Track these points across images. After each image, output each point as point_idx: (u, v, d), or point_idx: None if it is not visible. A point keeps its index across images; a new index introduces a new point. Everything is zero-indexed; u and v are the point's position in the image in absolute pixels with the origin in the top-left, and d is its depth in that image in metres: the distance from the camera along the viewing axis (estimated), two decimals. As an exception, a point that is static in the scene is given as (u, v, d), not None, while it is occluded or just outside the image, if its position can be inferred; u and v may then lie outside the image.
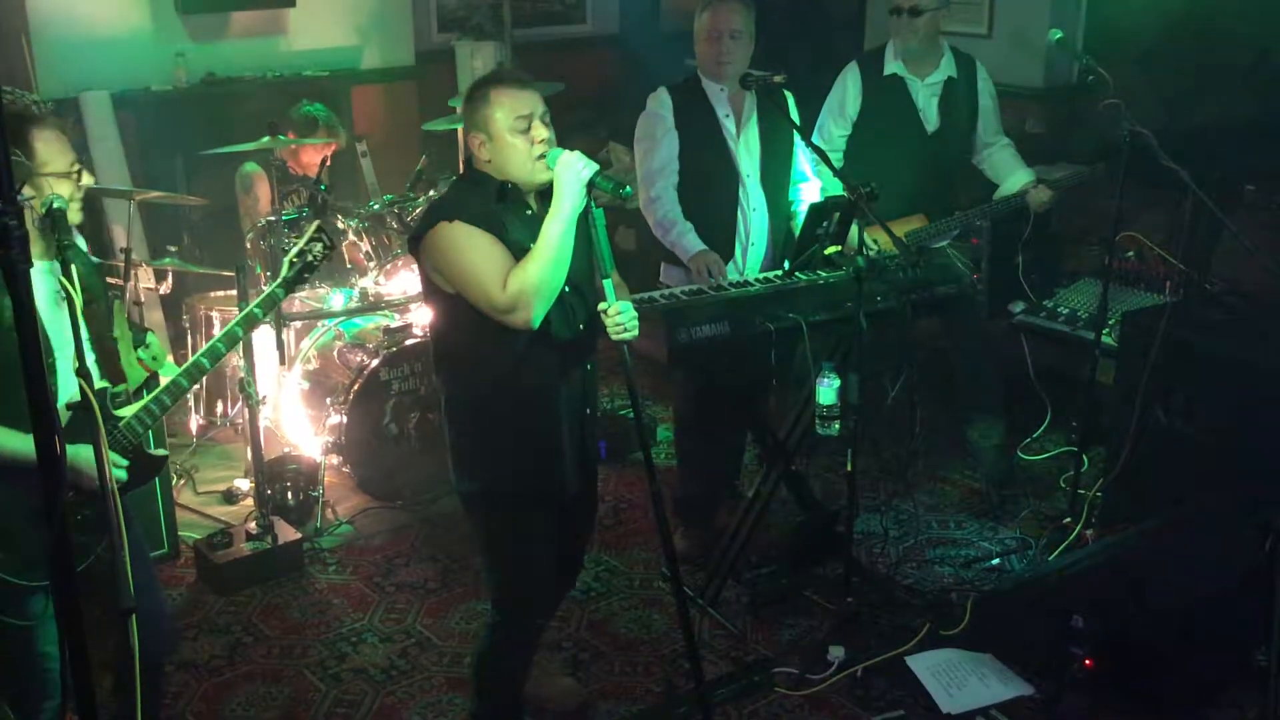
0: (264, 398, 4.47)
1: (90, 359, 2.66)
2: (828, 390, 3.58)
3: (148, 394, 2.85)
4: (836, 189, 3.97)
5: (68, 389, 2.57)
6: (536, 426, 2.98)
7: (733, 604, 4.01)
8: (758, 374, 4.01)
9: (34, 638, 2.68)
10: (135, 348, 2.96)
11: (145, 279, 5.00)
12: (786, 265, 3.98)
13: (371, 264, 4.85)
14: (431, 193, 5.01)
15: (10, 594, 2.63)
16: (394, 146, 6.44)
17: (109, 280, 4.63)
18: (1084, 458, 4.48)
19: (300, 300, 4.83)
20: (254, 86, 6.14)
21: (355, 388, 4.55)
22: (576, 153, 2.81)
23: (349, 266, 4.84)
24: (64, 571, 1.93)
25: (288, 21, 6.31)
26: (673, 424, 4.81)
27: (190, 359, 2.91)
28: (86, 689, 1.92)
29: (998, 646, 3.69)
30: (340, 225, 4.82)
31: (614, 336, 2.83)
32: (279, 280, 3.15)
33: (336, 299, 4.82)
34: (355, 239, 4.87)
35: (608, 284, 2.82)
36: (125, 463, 2.76)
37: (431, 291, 2.94)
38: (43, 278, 2.61)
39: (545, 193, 2.86)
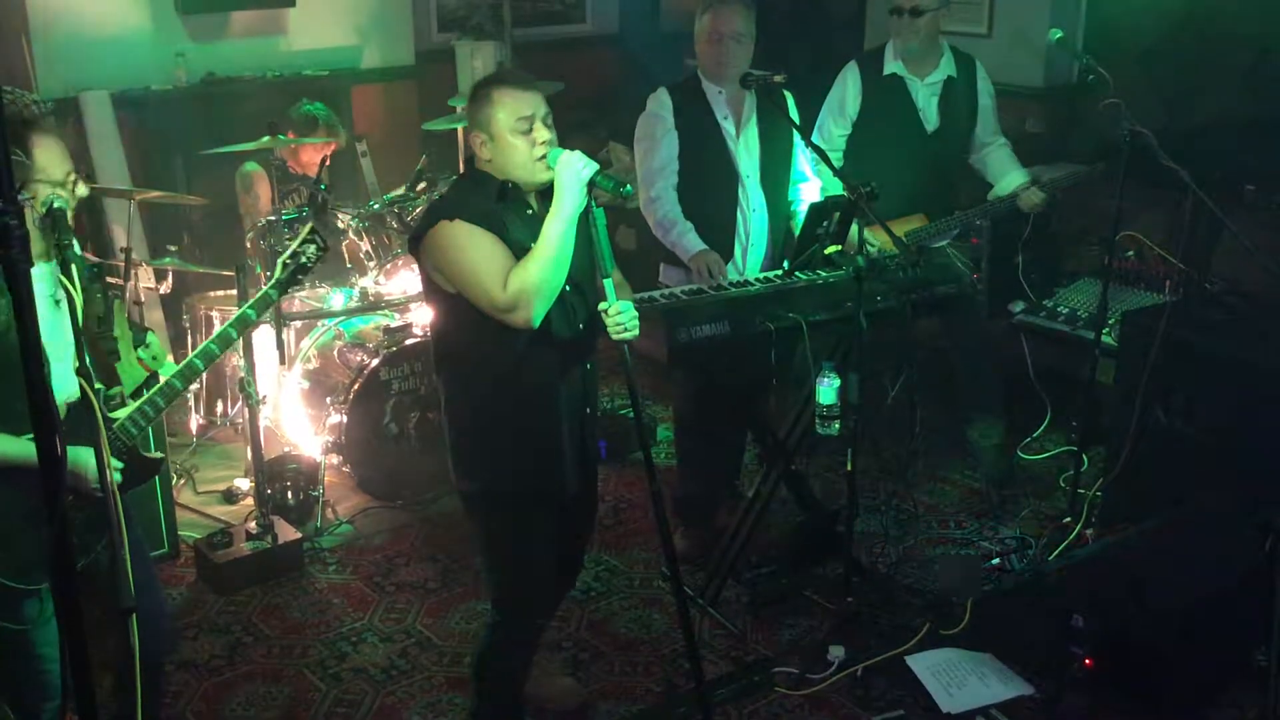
0: (264, 397, 4.47)
1: (74, 362, 2.66)
2: (828, 390, 3.58)
3: (145, 394, 2.85)
4: (836, 188, 3.98)
5: (63, 391, 2.57)
6: (536, 426, 2.98)
7: (733, 604, 4.01)
8: (758, 374, 4.02)
9: (30, 641, 2.68)
10: (135, 348, 2.96)
11: (145, 279, 5.01)
12: (786, 265, 3.98)
13: (371, 263, 4.85)
14: (424, 188, 5.01)
15: (5, 597, 2.63)
16: (394, 146, 6.44)
17: (109, 280, 4.64)
18: (1084, 458, 4.48)
19: (300, 300, 4.83)
20: (254, 86, 6.14)
21: (355, 387, 4.55)
22: (577, 152, 2.81)
23: (349, 266, 4.84)
24: (64, 572, 1.92)
25: (288, 21, 6.31)
26: (673, 424, 4.81)
27: (183, 360, 2.91)
28: (86, 689, 1.92)
29: (998, 646, 3.69)
30: (340, 224, 4.82)
31: (614, 336, 2.83)
32: (272, 282, 3.17)
33: (336, 298, 4.82)
34: (355, 239, 4.87)
35: (608, 283, 2.82)
36: (120, 465, 2.76)
37: (432, 291, 2.94)
38: (39, 279, 2.60)
39: (546, 192, 2.86)
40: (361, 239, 4.85)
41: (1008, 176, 4.61)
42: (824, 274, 3.88)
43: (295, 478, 4.61)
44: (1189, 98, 5.51)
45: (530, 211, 2.92)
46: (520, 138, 2.85)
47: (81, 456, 2.60)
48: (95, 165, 5.67)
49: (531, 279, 2.75)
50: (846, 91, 4.58)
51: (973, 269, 4.76)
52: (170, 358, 3.11)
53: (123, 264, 4.71)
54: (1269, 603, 3.15)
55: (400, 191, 5.06)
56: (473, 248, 2.80)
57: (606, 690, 3.63)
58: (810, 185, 4.34)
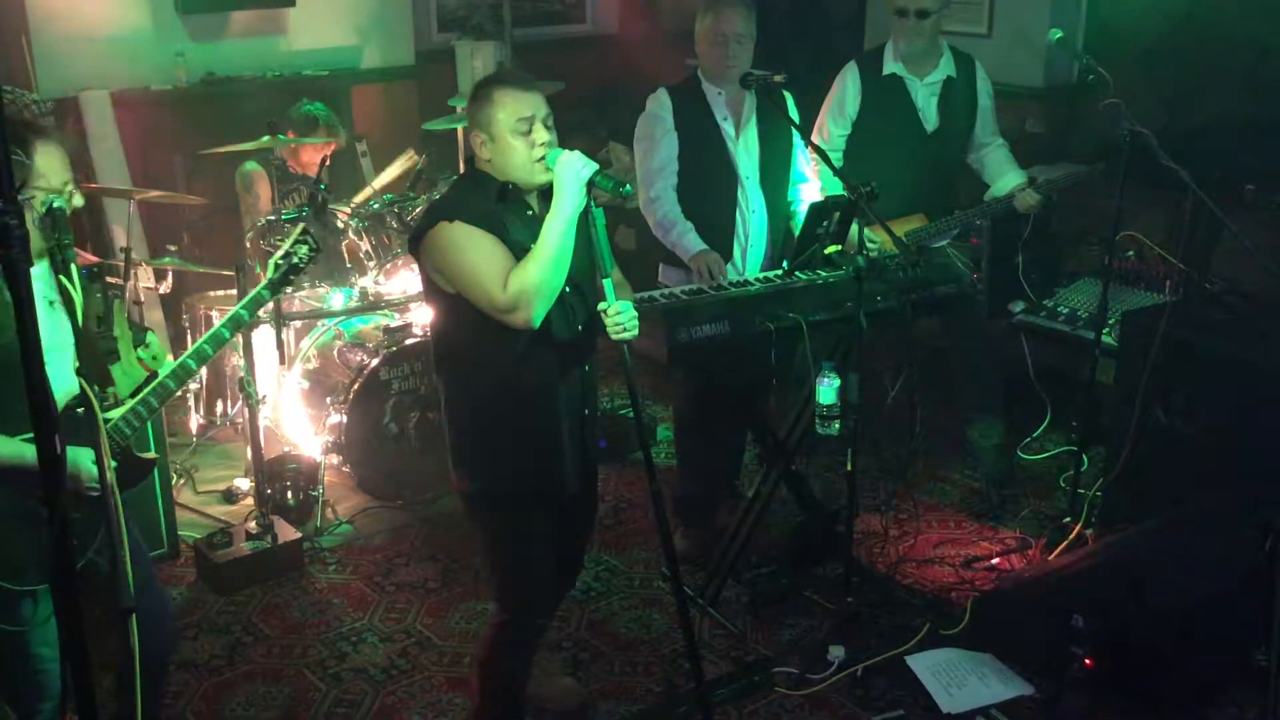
0: (264, 397, 4.47)
1: (74, 362, 2.67)
2: (828, 390, 3.58)
3: (139, 394, 2.85)
4: (836, 188, 3.98)
5: (59, 391, 2.57)
6: (536, 426, 2.98)
7: (733, 604, 4.01)
8: (758, 374, 4.02)
9: (26, 641, 2.68)
10: (135, 347, 2.96)
11: (145, 278, 5.01)
12: (785, 265, 3.98)
13: (371, 263, 4.85)
14: (414, 186, 5.01)
15: (0, 599, 2.63)
16: (394, 146, 6.43)
17: (109, 280, 4.63)
18: (1084, 457, 4.48)
19: (300, 300, 4.82)
20: (254, 86, 6.14)
21: (355, 387, 4.55)
22: (576, 152, 2.81)
23: (349, 266, 4.84)
24: (64, 572, 1.92)
25: (287, 21, 6.31)
26: (673, 424, 4.81)
27: (177, 360, 2.91)
28: (86, 689, 1.92)
29: (998, 646, 3.69)
30: (340, 224, 4.82)
31: (614, 336, 2.84)
32: (265, 282, 3.18)
33: (336, 298, 4.82)
34: (355, 239, 4.87)
35: (607, 283, 2.82)
36: (113, 465, 2.75)
37: (432, 291, 2.95)
38: (35, 279, 2.60)
39: (546, 193, 2.86)
40: (361, 239, 4.85)
41: (1005, 177, 4.61)
42: (824, 274, 3.88)
43: (295, 477, 4.61)
44: (1189, 98, 5.51)
45: (530, 212, 2.92)
46: (520, 138, 2.85)
47: (76, 457, 2.60)
48: (95, 165, 5.67)
49: (531, 279, 2.75)
50: (846, 92, 4.58)
51: (973, 269, 4.76)
52: (170, 358, 3.11)
53: (122, 264, 4.71)
54: (1269, 603, 3.15)
55: (386, 179, 5.05)
56: (473, 249, 2.80)
57: (606, 690, 3.63)
58: (810, 186, 4.34)
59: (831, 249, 3.78)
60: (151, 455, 2.93)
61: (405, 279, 4.86)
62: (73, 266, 2.51)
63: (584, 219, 2.81)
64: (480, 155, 2.92)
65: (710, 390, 4.15)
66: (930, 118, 4.57)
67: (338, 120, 5.35)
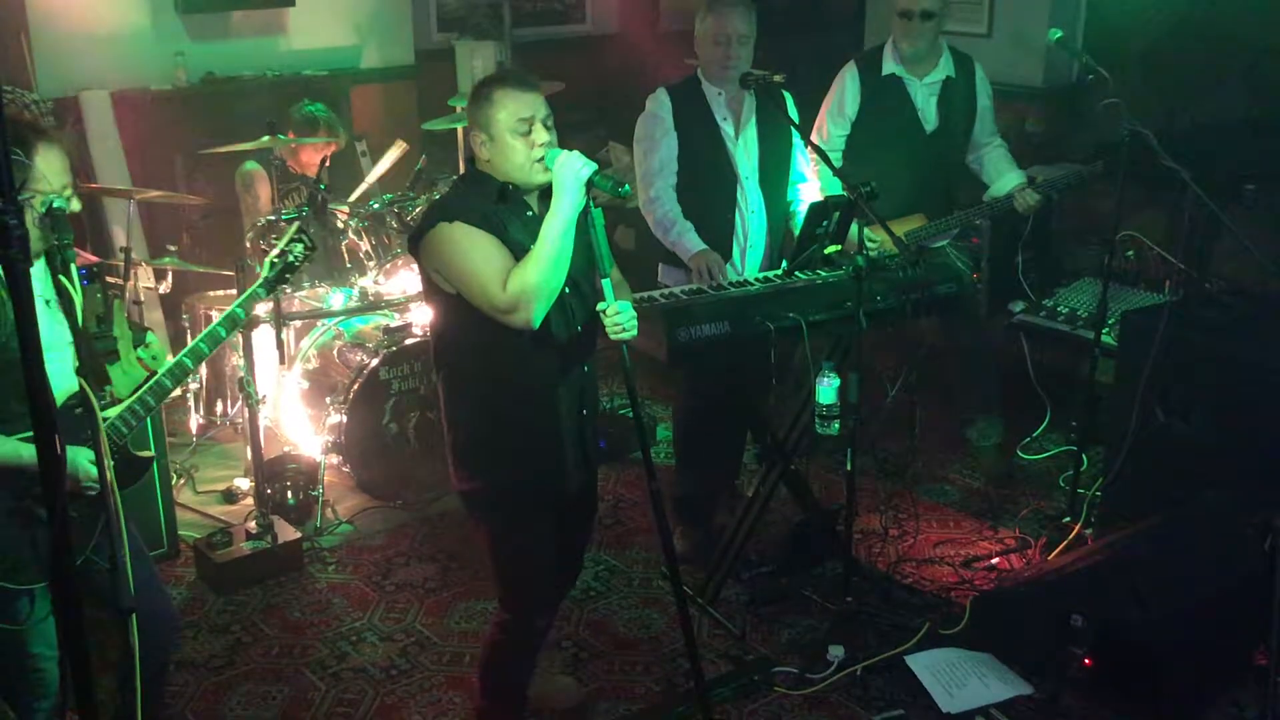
0: (264, 397, 4.47)
1: (74, 362, 2.67)
2: (827, 390, 3.58)
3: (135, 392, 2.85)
4: (835, 188, 3.98)
5: (56, 390, 2.57)
6: (536, 426, 2.98)
7: (732, 603, 4.01)
8: (758, 374, 4.01)
9: (23, 640, 2.69)
10: (135, 347, 2.96)
11: (145, 278, 5.01)
12: (784, 265, 3.98)
13: (371, 263, 4.85)
14: (405, 187, 5.02)
15: None
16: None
17: (109, 280, 4.64)
18: (1084, 457, 4.48)
19: (300, 300, 4.82)
20: (254, 86, 6.14)
21: (355, 387, 4.55)
22: (575, 152, 2.81)
23: (349, 266, 4.84)
24: (64, 572, 1.92)
25: (287, 21, 6.31)
26: (672, 423, 4.81)
27: (173, 358, 2.91)
28: (87, 689, 1.92)
29: (997, 646, 3.69)
30: (340, 224, 4.82)
31: (613, 336, 2.84)
32: (260, 281, 3.19)
33: (336, 298, 4.82)
34: (355, 238, 4.87)
35: (606, 283, 2.82)
36: (110, 463, 2.76)
37: (432, 291, 2.95)
38: (33, 278, 2.60)
39: (546, 193, 2.86)
40: (361, 239, 4.85)
41: (1004, 178, 4.62)
42: (823, 274, 3.88)
43: (295, 477, 4.61)
44: (1189, 98, 5.52)
45: (530, 213, 2.92)
46: (519, 139, 2.85)
47: (73, 456, 2.60)
48: (95, 165, 5.68)
49: (531, 280, 2.75)
50: (845, 92, 4.59)
51: (972, 269, 4.76)
52: (170, 357, 3.11)
53: (122, 264, 4.71)
54: (1269, 603, 3.16)
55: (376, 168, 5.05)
56: (472, 249, 2.80)
57: (606, 690, 3.63)
58: (809, 186, 4.34)
59: (831, 249, 3.78)
60: (149, 454, 2.92)
61: (405, 279, 4.86)
62: (72, 266, 2.51)
63: (583, 219, 2.81)
64: (480, 155, 2.92)
65: (710, 390, 4.15)
66: (929, 118, 4.58)
67: (338, 121, 5.34)
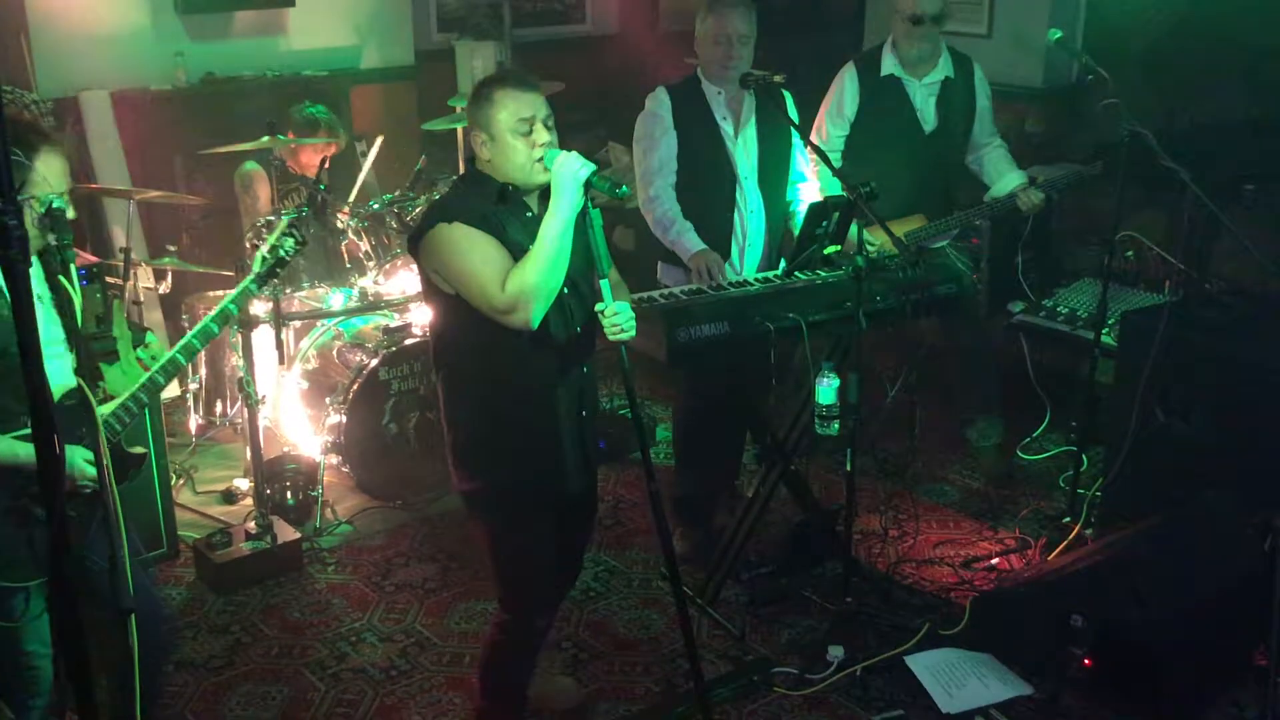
0: (263, 397, 4.46)
1: (70, 361, 2.67)
2: (827, 390, 3.58)
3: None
4: (835, 189, 3.98)
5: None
6: (536, 426, 2.98)
7: (732, 604, 4.01)
8: (757, 374, 4.01)
9: (17, 637, 2.69)
10: (135, 347, 2.96)
11: (145, 278, 5.00)
12: (783, 265, 3.98)
13: (371, 263, 4.84)
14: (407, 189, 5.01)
15: None
16: (393, 146, 6.43)
17: (109, 280, 4.63)
18: (1084, 457, 4.48)
19: (300, 300, 4.82)
20: (254, 86, 6.14)
21: (355, 387, 4.55)
22: (573, 153, 2.81)
23: (348, 266, 4.84)
24: (63, 571, 1.92)
25: (287, 21, 6.31)
26: (671, 424, 4.81)
27: (166, 354, 2.91)
28: (86, 689, 1.92)
29: (997, 646, 3.68)
30: (340, 224, 4.82)
31: (611, 337, 2.84)
32: (251, 276, 3.19)
33: (336, 299, 4.82)
34: (355, 239, 4.87)
35: (604, 284, 2.82)
36: (109, 463, 2.76)
37: (431, 292, 2.95)
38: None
39: (545, 194, 2.86)
40: (361, 239, 4.84)
41: (1005, 177, 4.62)
42: (823, 274, 3.88)
43: (294, 478, 4.61)
44: (1189, 98, 5.52)
45: (529, 214, 2.92)
46: (519, 139, 2.85)
47: (69, 454, 2.60)
48: (95, 165, 5.67)
49: (529, 280, 2.75)
50: (844, 93, 4.59)
51: (972, 269, 4.76)
52: (169, 357, 3.11)
53: (122, 264, 4.71)
54: (1269, 603, 3.16)
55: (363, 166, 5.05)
56: (471, 250, 2.80)
57: (606, 690, 3.63)
58: (809, 186, 4.34)
59: (830, 249, 3.78)
60: (141, 451, 2.92)
61: (405, 279, 4.86)
62: (72, 267, 2.51)
63: (581, 220, 2.80)
64: (480, 155, 2.92)
65: (709, 391, 4.14)
66: (928, 118, 4.58)
67: (338, 122, 5.34)
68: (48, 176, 2.60)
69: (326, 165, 4.91)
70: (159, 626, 2.93)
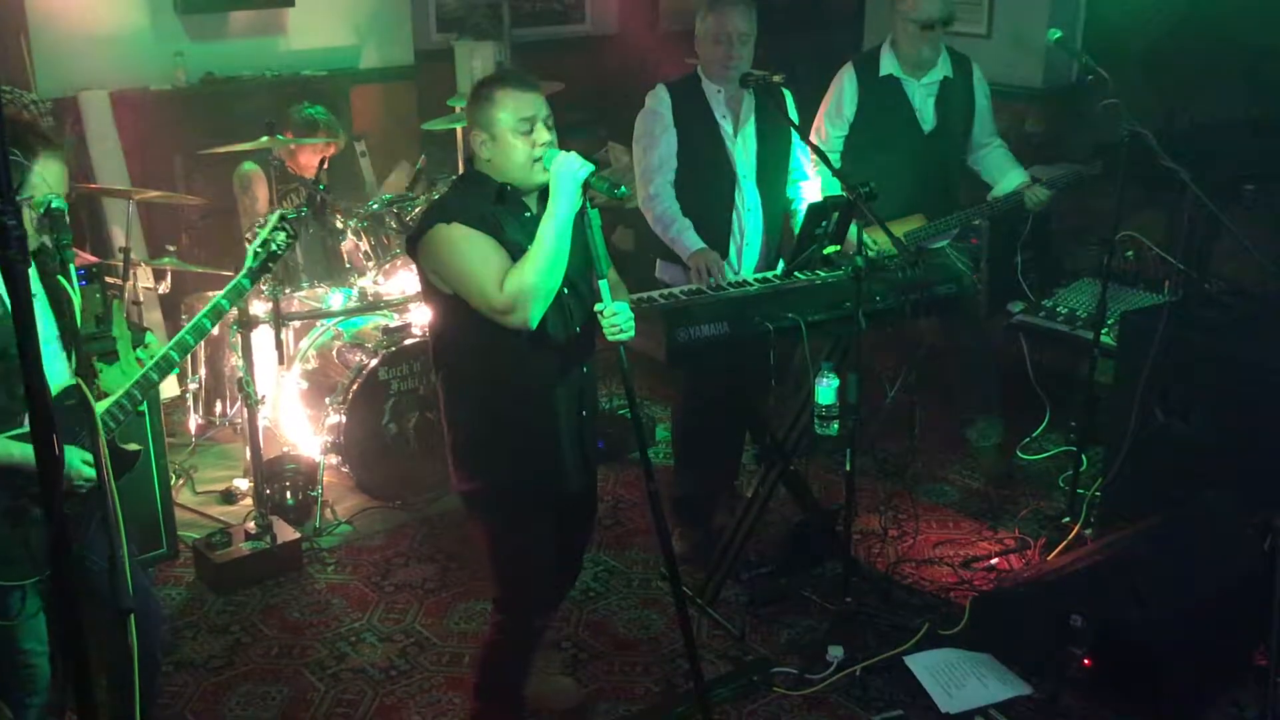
0: (263, 397, 4.46)
1: (64, 360, 2.67)
2: (827, 390, 3.57)
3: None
4: (834, 189, 3.98)
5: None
6: (535, 427, 2.98)
7: (731, 604, 4.01)
8: (757, 374, 4.01)
9: (14, 635, 2.69)
10: (134, 348, 2.96)
11: (144, 278, 5.00)
12: (781, 265, 3.98)
13: (370, 264, 4.84)
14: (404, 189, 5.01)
15: None
16: (393, 146, 6.43)
17: (108, 280, 4.63)
18: (1083, 457, 4.48)
19: (299, 300, 4.82)
20: (253, 86, 6.14)
21: (354, 387, 4.55)
22: (572, 153, 2.81)
23: (348, 266, 4.84)
24: (63, 571, 1.92)
25: (287, 21, 6.31)
26: (671, 424, 4.81)
27: (159, 350, 2.91)
28: (86, 689, 1.92)
29: (996, 646, 3.68)
30: (339, 225, 4.81)
31: (610, 338, 2.84)
32: (244, 271, 3.18)
33: (335, 299, 4.82)
34: (354, 239, 4.87)
35: (603, 285, 2.82)
36: (108, 464, 2.75)
37: (430, 292, 2.95)
38: None
39: (544, 194, 2.85)
40: (361, 239, 4.84)
41: (1008, 176, 4.62)
42: (822, 274, 3.88)
43: (294, 478, 4.61)
44: (1189, 98, 5.52)
45: (528, 214, 2.92)
46: (521, 138, 2.85)
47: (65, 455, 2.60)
48: (94, 165, 5.67)
49: (528, 280, 2.75)
50: (843, 94, 4.58)
51: (972, 269, 4.76)
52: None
53: (121, 264, 4.70)
54: (1269, 603, 3.16)
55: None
56: (470, 250, 2.80)
57: (605, 690, 3.63)
58: (811, 184, 4.34)
59: (830, 249, 3.78)
60: (136, 448, 2.91)
61: (404, 279, 4.85)
62: (71, 267, 2.51)
63: (580, 220, 2.80)
64: (480, 155, 2.92)
65: (709, 391, 4.14)
66: (927, 118, 4.58)
67: (337, 123, 5.34)
68: (48, 179, 2.61)
69: (325, 165, 4.91)
70: (159, 627, 2.93)
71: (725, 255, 4.15)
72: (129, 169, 5.77)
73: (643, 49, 7.26)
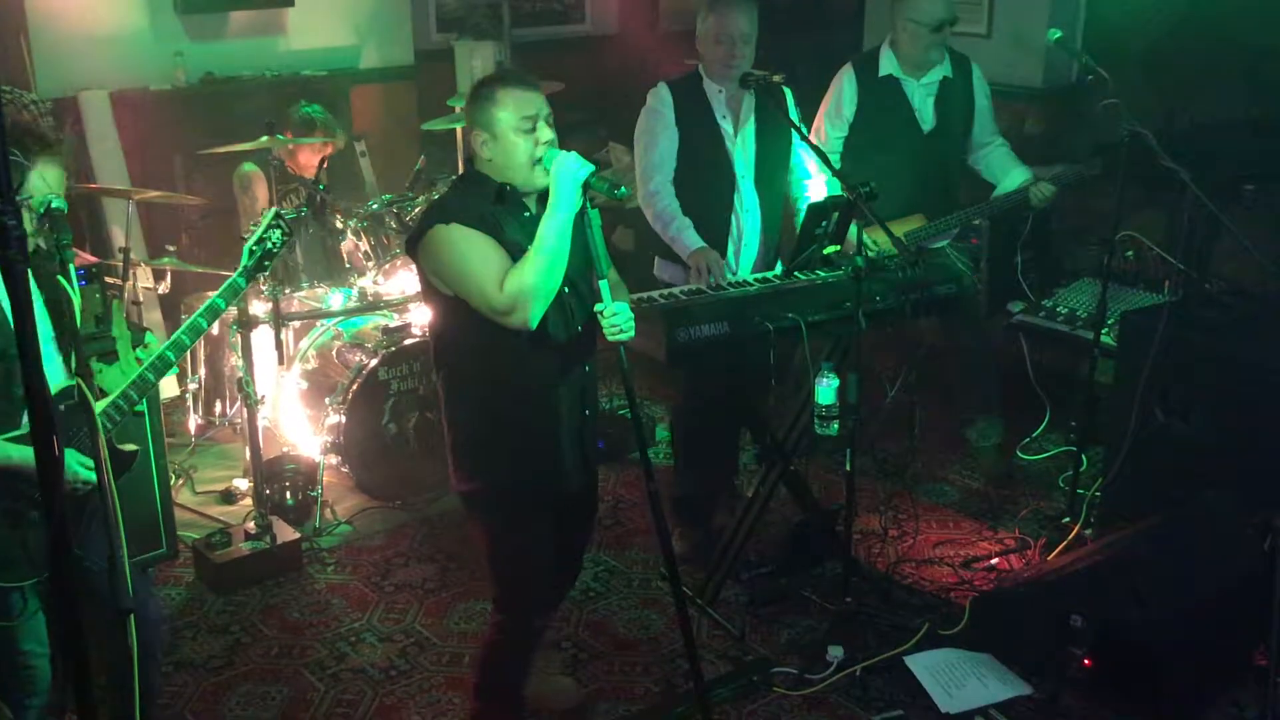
0: (263, 397, 4.46)
1: (59, 362, 2.67)
2: (827, 390, 3.57)
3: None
4: (835, 189, 3.98)
5: None
6: (535, 427, 2.98)
7: (731, 604, 4.01)
8: (757, 374, 4.01)
9: (14, 636, 2.70)
10: (134, 348, 2.96)
11: (144, 278, 5.00)
12: (780, 266, 3.98)
13: (370, 264, 4.84)
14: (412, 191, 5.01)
15: None
16: (393, 146, 6.43)
17: (108, 280, 4.63)
18: (1083, 457, 4.48)
19: (299, 300, 4.82)
20: (253, 86, 6.14)
21: (354, 387, 4.55)
22: (572, 153, 2.81)
23: (348, 266, 4.84)
24: (63, 572, 1.92)
25: (286, 21, 6.31)
26: (671, 424, 4.81)
27: (155, 351, 2.91)
28: (86, 689, 1.92)
29: (996, 646, 3.68)
30: (339, 225, 4.81)
31: (610, 338, 2.83)
32: (240, 270, 3.19)
33: (335, 299, 4.81)
34: (354, 239, 4.86)
35: (603, 285, 2.82)
36: (108, 464, 2.75)
37: (430, 292, 2.94)
38: None
39: (544, 195, 2.85)
40: (360, 239, 4.84)
41: (1011, 174, 4.61)
42: (822, 274, 3.88)
43: (294, 478, 4.61)
44: (1189, 98, 5.51)
45: (528, 214, 2.92)
46: (523, 137, 2.85)
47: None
48: (94, 165, 5.67)
49: (528, 280, 2.75)
50: (842, 95, 4.58)
51: (972, 269, 4.76)
52: (168, 357, 3.10)
53: (121, 264, 4.71)
54: (1269, 603, 3.16)
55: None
56: (469, 250, 2.80)
57: (605, 690, 3.63)
58: (815, 182, 4.33)
59: (830, 249, 3.78)
60: (133, 448, 2.91)
61: (404, 279, 4.85)
62: (70, 267, 2.51)
63: (580, 220, 2.80)
64: (481, 155, 2.92)
65: (709, 391, 4.14)
66: (927, 118, 4.58)
67: (335, 122, 5.34)
68: (48, 180, 2.61)
69: (325, 165, 4.91)
70: (159, 627, 2.93)
71: (723, 255, 4.14)
72: (129, 169, 5.77)
73: (643, 49, 7.26)
